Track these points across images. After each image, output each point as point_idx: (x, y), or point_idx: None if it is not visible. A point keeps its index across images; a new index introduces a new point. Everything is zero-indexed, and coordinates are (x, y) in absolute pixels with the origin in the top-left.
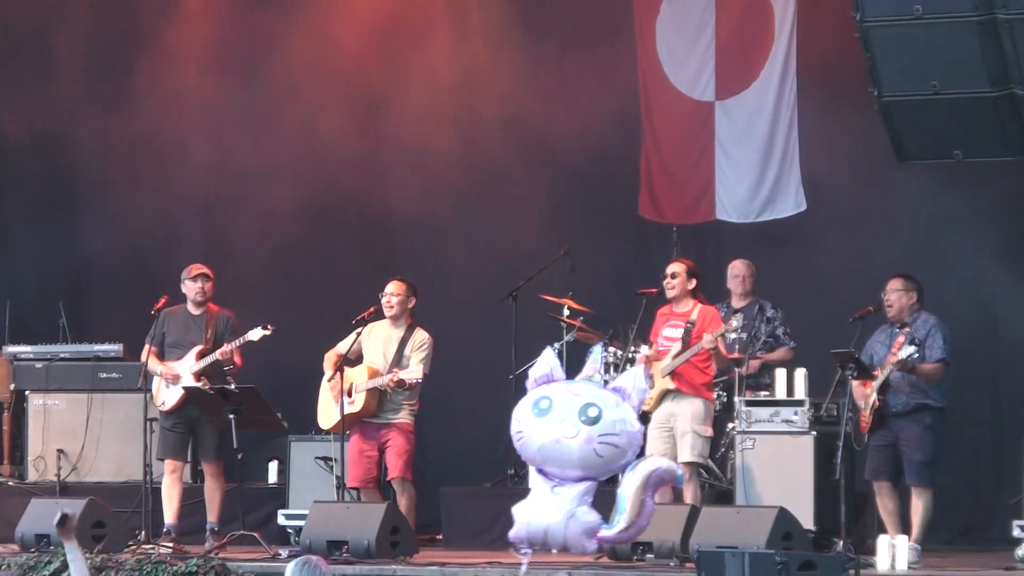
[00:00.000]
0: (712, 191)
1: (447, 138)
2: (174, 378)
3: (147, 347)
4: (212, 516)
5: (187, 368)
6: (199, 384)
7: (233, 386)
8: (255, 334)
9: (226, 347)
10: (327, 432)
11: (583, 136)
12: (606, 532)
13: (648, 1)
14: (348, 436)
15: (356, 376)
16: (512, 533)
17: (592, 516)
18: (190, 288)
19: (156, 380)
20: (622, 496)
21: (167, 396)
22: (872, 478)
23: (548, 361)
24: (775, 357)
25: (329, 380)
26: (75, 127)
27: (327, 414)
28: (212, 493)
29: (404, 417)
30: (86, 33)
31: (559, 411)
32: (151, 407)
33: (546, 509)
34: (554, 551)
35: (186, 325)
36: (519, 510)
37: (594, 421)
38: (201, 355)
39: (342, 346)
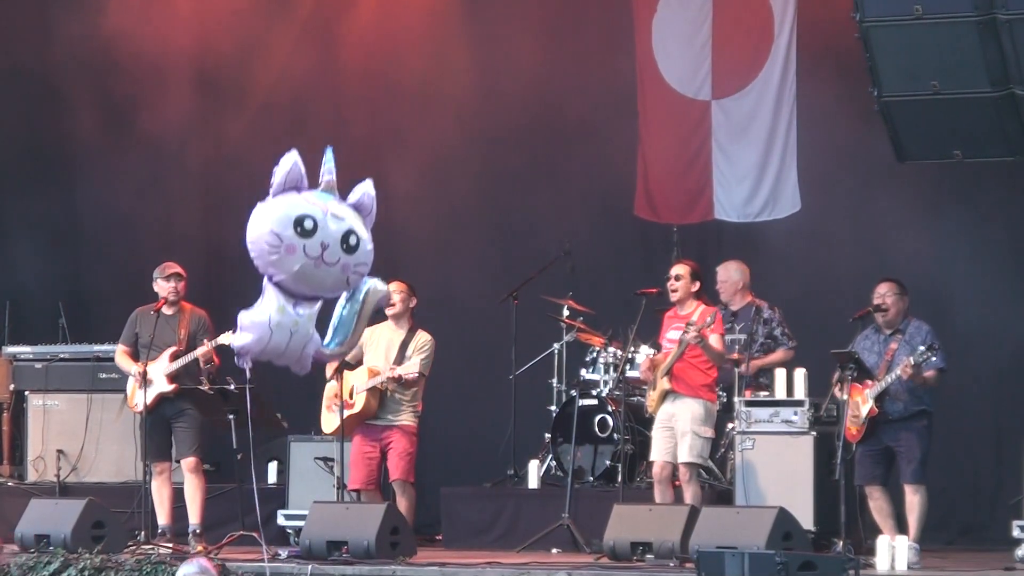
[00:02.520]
0: (710, 190)
1: (447, 139)
2: (144, 379)
3: (119, 347)
4: (194, 517)
5: (160, 370)
6: (171, 387)
7: (233, 386)
8: (225, 338)
9: (203, 348)
10: (330, 435)
11: (584, 136)
12: (324, 351)
13: (646, 1)
14: (350, 439)
15: (356, 378)
16: (244, 343)
17: (317, 336)
18: (163, 287)
19: (129, 381)
20: (349, 318)
21: (140, 398)
22: (865, 483)
23: (296, 162)
24: (773, 360)
25: (328, 380)
26: (76, 128)
27: (329, 417)
28: (192, 491)
29: (406, 419)
30: (87, 42)
31: (323, 235)
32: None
33: (287, 327)
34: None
35: (159, 325)
36: (252, 319)
37: (353, 250)
38: (174, 356)
39: None
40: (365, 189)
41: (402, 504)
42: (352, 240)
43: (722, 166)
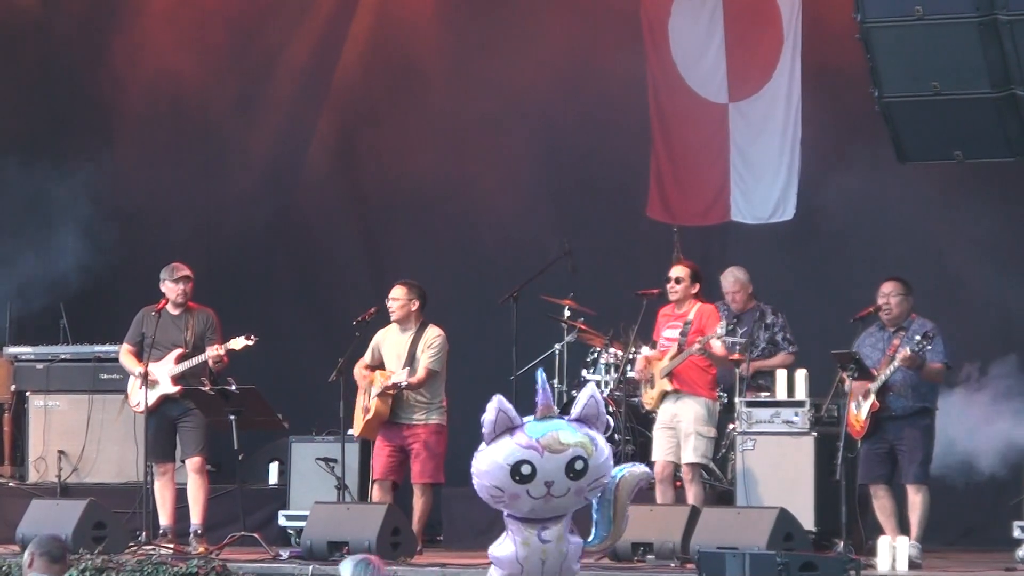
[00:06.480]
0: (727, 193)
1: (449, 138)
2: (146, 379)
3: (124, 346)
4: (196, 518)
5: (165, 371)
6: (176, 388)
7: (234, 387)
8: (237, 343)
9: (212, 351)
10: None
11: (586, 136)
12: (591, 548)
13: (657, 2)
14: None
15: (377, 382)
16: None
17: (576, 540)
18: (171, 289)
19: (131, 381)
20: (608, 511)
21: (141, 397)
22: (869, 482)
23: (503, 409)
24: (772, 364)
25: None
26: (74, 129)
27: (355, 422)
28: (195, 492)
29: (426, 417)
30: (84, 56)
31: (543, 475)
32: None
33: (536, 558)
34: None
35: (165, 325)
36: (499, 555)
37: (581, 475)
38: (181, 358)
39: (366, 357)
40: (587, 396)
41: (417, 506)
42: (578, 465)
43: (740, 168)
